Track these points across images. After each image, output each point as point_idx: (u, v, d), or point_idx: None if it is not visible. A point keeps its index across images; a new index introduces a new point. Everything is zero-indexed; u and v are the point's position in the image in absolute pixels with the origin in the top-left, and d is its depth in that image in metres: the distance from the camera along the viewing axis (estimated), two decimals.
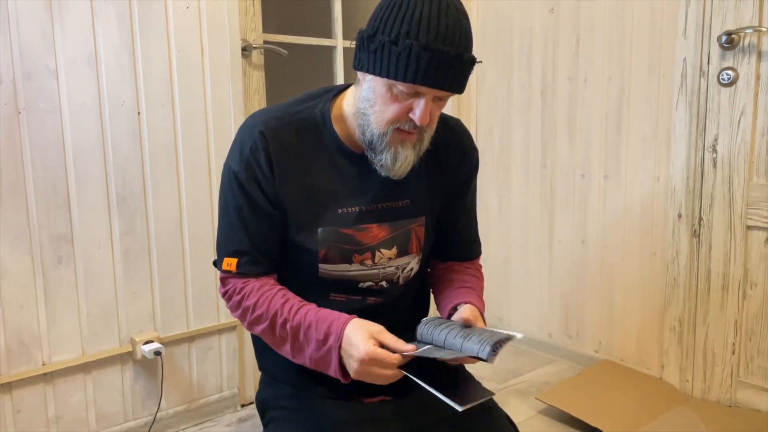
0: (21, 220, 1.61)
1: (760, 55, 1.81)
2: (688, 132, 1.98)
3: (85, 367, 1.75)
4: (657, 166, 2.10)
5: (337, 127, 1.08)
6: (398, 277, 1.13)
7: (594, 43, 2.22)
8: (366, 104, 1.00)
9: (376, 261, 1.10)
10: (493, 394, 0.99)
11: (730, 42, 1.84)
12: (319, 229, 1.07)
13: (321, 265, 1.08)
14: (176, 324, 1.91)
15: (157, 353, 1.81)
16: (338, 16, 2.34)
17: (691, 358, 2.05)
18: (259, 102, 2.08)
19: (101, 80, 1.70)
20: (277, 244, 1.09)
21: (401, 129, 0.99)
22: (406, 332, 1.19)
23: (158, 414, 1.89)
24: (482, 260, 1.31)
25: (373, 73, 0.96)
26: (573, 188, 2.36)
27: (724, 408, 1.97)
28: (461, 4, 0.98)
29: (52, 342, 1.69)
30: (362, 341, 0.93)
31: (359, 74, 1.02)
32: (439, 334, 0.99)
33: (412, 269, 1.15)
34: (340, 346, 0.96)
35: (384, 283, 1.12)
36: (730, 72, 1.86)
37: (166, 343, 1.87)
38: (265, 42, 2.09)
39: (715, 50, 1.89)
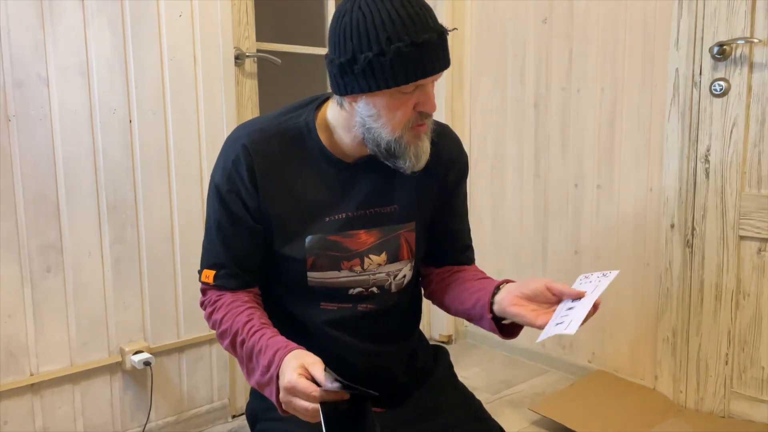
0: (10, 229, 1.60)
1: (751, 66, 1.82)
2: (680, 142, 1.98)
3: (74, 378, 1.73)
4: (650, 176, 2.10)
5: (322, 136, 1.07)
6: (390, 284, 1.12)
7: (587, 54, 2.23)
8: (369, 120, 0.99)
9: (365, 267, 1.09)
10: None
11: (722, 53, 1.85)
12: (307, 238, 1.07)
13: (309, 274, 1.08)
14: (166, 334, 1.89)
15: (147, 363, 1.79)
16: None
17: (685, 369, 2.05)
18: (252, 110, 2.08)
19: (92, 88, 1.69)
20: (258, 257, 1.09)
21: (416, 125, 1.00)
22: (399, 342, 1.19)
23: (147, 425, 1.87)
24: None
25: (370, 90, 0.96)
26: (566, 198, 2.36)
27: (718, 419, 1.96)
28: None
29: (40, 352, 1.67)
30: (290, 370, 0.90)
31: (346, 98, 1.00)
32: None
33: (404, 276, 1.14)
34: (278, 375, 0.93)
35: (374, 289, 1.11)
36: (722, 83, 1.87)
37: (156, 353, 1.85)
38: (259, 50, 2.09)
39: (707, 61, 1.90)
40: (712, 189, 1.93)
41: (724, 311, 1.94)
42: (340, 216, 1.08)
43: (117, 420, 1.82)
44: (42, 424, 1.69)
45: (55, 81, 1.63)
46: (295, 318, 1.12)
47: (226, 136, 1.12)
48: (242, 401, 2.08)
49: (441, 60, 0.97)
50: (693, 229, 1.99)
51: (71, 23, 1.64)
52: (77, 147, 1.68)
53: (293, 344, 0.97)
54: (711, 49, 1.87)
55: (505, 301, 1.03)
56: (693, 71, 1.93)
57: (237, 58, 1.99)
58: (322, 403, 0.87)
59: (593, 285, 0.98)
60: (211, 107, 1.91)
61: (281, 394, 0.91)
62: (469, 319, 1.13)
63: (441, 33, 0.96)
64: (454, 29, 1.01)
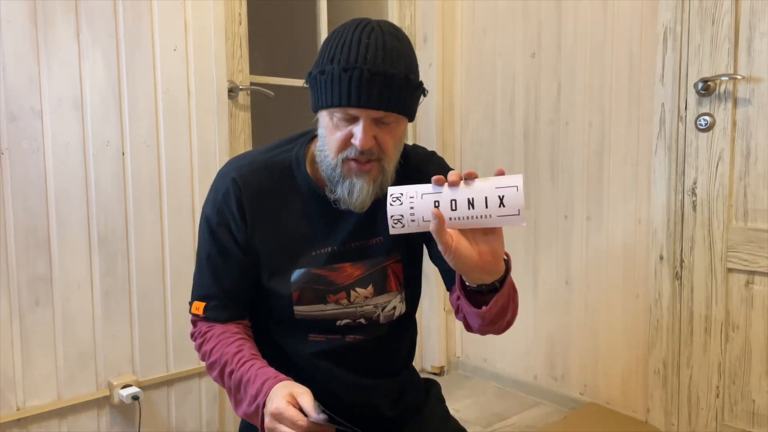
0: None
1: (735, 101, 1.85)
2: (667, 175, 2.01)
3: (61, 413, 1.71)
4: (638, 208, 2.13)
5: (311, 170, 1.09)
6: (378, 315, 1.12)
7: (575, 88, 2.27)
8: (321, 141, 1.03)
9: (351, 300, 1.10)
10: None
11: (706, 89, 1.89)
12: (293, 273, 1.07)
13: (296, 308, 1.08)
14: (155, 367, 1.87)
15: (135, 398, 1.77)
16: None
17: (676, 402, 2.04)
18: (244, 142, 2.09)
19: (86, 121, 1.70)
20: (247, 289, 1.10)
21: (351, 158, 0.99)
22: (388, 377, 1.18)
23: None
24: None
25: (313, 108, 1.01)
26: (556, 229, 2.38)
27: None
28: (396, 28, 0.99)
29: (27, 386, 1.65)
30: (278, 397, 0.90)
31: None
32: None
33: (394, 308, 1.14)
34: (264, 404, 0.93)
35: (362, 320, 1.11)
36: (707, 117, 1.90)
37: (145, 386, 1.83)
38: (252, 83, 2.11)
39: (692, 96, 1.93)
40: (699, 221, 1.95)
41: (713, 343, 1.95)
42: (326, 250, 1.09)
43: None
44: None
45: (49, 114, 1.64)
46: (284, 350, 1.12)
47: (218, 169, 1.14)
48: None
49: (375, 98, 0.94)
50: (681, 261, 2.00)
51: (66, 57, 1.66)
52: (69, 179, 1.69)
53: (283, 375, 0.98)
54: (696, 85, 1.91)
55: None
56: (678, 106, 1.97)
57: (230, 90, 2.01)
58: None
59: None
60: (204, 139, 1.92)
61: (267, 420, 0.91)
62: (472, 319, 1.01)
63: (385, 71, 0.93)
64: (419, 83, 0.99)
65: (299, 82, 2.34)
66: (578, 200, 2.30)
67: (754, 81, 1.81)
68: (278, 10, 3.27)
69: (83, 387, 1.74)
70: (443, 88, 2.64)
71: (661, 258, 2.05)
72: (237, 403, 1.01)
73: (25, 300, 1.63)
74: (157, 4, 1.80)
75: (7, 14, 1.56)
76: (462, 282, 0.95)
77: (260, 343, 1.10)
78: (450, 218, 0.86)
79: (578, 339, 2.34)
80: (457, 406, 2.39)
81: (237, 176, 1.07)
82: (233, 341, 1.05)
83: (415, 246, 1.17)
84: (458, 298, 0.99)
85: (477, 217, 0.86)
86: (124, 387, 1.77)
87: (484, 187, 0.86)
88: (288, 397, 0.89)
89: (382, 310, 1.13)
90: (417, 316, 1.26)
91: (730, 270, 1.90)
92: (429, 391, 1.25)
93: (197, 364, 1.94)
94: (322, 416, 0.87)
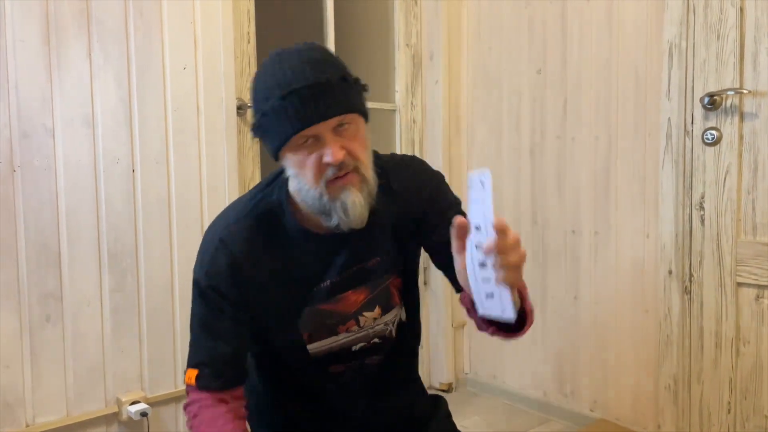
0: (10, 279, 1.60)
1: (742, 115, 1.86)
2: (675, 190, 2.01)
3: (69, 429, 1.71)
4: (646, 223, 2.12)
5: (294, 209, 1.06)
6: (390, 331, 1.13)
7: (581, 104, 2.28)
8: (295, 181, 1.00)
9: (361, 325, 1.10)
10: None
11: (712, 103, 1.89)
12: (299, 315, 1.07)
13: (309, 346, 1.08)
14: (164, 383, 1.87)
15: (144, 414, 1.77)
16: None
17: (687, 418, 2.02)
18: (253, 159, 2.11)
19: (97, 139, 1.73)
20: (244, 348, 1.08)
21: (331, 179, 0.97)
22: (401, 392, 1.18)
23: None
24: None
25: (273, 153, 0.99)
26: (564, 244, 2.37)
27: None
28: (308, 43, 0.98)
29: (36, 403, 1.65)
30: None
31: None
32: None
33: (399, 317, 1.15)
34: None
35: (377, 340, 1.11)
36: (713, 132, 1.91)
37: (153, 403, 1.83)
38: None
39: (699, 111, 1.94)
40: (708, 236, 1.95)
41: (724, 359, 1.93)
42: (325, 284, 1.08)
43: None
44: None
45: (61, 132, 1.67)
46: (303, 386, 1.12)
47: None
48: None
49: (322, 107, 0.93)
50: (691, 275, 1.99)
51: (78, 76, 1.69)
52: (80, 196, 1.71)
53: None
54: (702, 99, 1.91)
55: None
56: (685, 120, 1.97)
57: (239, 108, 2.03)
58: None
59: (480, 208, 0.88)
60: (213, 157, 1.94)
61: None
62: (483, 326, 1.02)
63: (316, 81, 0.92)
64: (350, 77, 0.97)
65: None
66: (585, 215, 2.30)
67: (760, 95, 1.82)
68: (286, 29, 3.31)
69: (92, 403, 1.74)
70: (449, 105, 2.66)
71: (670, 273, 2.04)
72: None
73: (36, 317, 1.64)
74: (167, 23, 1.83)
75: (21, 34, 1.59)
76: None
77: (276, 382, 1.10)
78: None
79: (588, 355, 2.33)
80: (465, 423, 2.37)
81: (225, 236, 1.05)
82: (220, 414, 1.02)
83: (414, 257, 1.17)
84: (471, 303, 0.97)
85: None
86: (133, 403, 1.78)
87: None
88: None
89: (393, 325, 1.13)
90: (424, 333, 1.27)
91: (739, 284, 1.89)
92: (436, 406, 1.25)
93: None
94: None
